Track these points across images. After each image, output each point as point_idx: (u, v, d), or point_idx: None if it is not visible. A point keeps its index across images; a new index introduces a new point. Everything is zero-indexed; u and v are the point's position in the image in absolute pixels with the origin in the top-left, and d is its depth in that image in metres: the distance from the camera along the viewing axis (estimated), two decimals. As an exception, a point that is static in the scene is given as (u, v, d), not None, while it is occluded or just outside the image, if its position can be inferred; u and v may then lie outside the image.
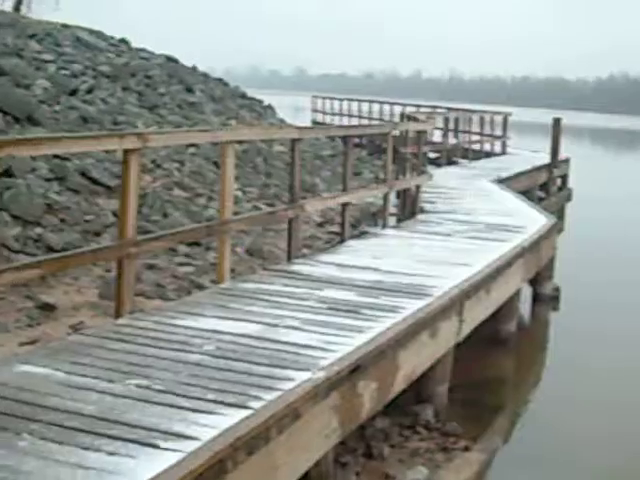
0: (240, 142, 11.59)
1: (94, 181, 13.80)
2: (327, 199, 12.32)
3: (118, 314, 7.33)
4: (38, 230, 11.54)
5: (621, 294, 15.23)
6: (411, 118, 16.59)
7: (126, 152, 7.22)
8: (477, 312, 9.36)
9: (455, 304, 8.49)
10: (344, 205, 11.58)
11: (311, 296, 8.28)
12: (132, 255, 7.35)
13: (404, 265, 9.99)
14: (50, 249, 11.11)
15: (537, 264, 12.70)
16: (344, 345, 6.55)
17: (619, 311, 14.02)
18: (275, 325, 7.12)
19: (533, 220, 14.01)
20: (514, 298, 11.39)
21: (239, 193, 17.64)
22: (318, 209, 12.12)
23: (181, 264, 12.06)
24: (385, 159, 13.11)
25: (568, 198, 27.69)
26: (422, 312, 7.72)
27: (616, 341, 12.29)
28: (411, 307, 7.85)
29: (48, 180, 13.24)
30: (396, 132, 15.79)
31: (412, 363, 7.43)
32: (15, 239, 10.90)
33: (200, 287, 11.03)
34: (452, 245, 11.60)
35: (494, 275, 9.95)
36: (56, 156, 13.64)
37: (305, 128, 12.05)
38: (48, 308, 9.46)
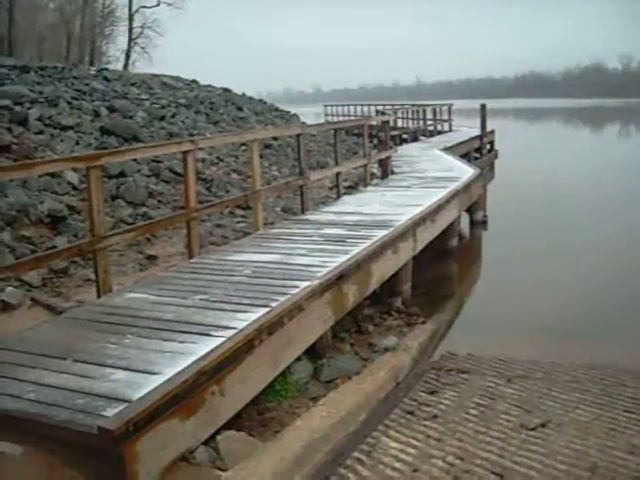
0: (263, 139, 11.47)
1: (178, 174, 13.93)
2: (325, 171, 12.37)
3: (190, 256, 7.51)
4: (143, 209, 11.69)
5: (529, 217, 15.29)
6: (379, 112, 16.49)
7: (184, 153, 7.35)
8: (426, 235, 9.42)
9: (409, 230, 8.57)
10: (337, 174, 11.67)
11: (315, 233, 8.40)
12: (195, 218, 7.51)
13: (377, 209, 10.06)
14: (151, 219, 11.28)
15: (469, 200, 12.73)
16: (334, 262, 6.69)
17: (527, 229, 14.07)
18: (289, 254, 7.26)
19: (466, 172, 14.00)
20: (454, 223, 11.43)
21: (276, 172, 17.76)
22: (321, 177, 12.07)
23: (238, 222, 12.19)
24: (366, 141, 13.08)
25: (495, 156, 27.41)
26: (386, 237, 7.82)
27: (526, 247, 12.36)
28: (379, 234, 7.95)
29: (148, 176, 13.39)
30: (374, 123, 15.80)
31: (381, 271, 7.55)
32: (129, 216, 11.09)
33: (249, 235, 11.22)
34: (410, 193, 11.63)
35: (437, 209, 10.02)
36: (153, 160, 13.81)
37: (305, 125, 12.02)
38: (152, 258, 9.66)
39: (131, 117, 17.06)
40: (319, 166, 21.02)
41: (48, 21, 35.10)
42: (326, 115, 46.57)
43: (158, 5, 39.51)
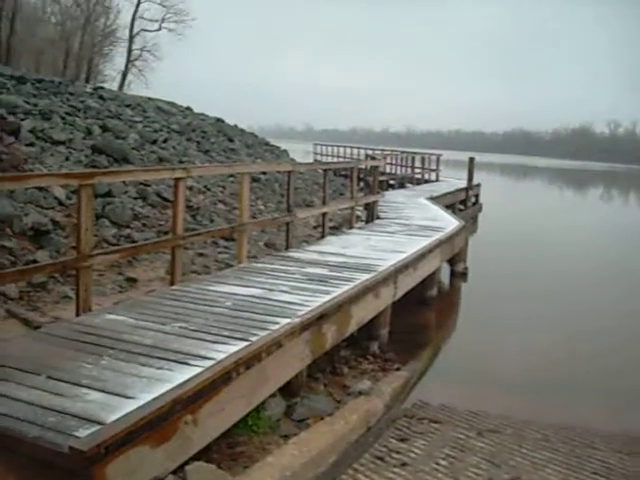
0: (251, 173, 11.43)
1: (165, 199, 13.96)
2: (313, 210, 12.42)
3: (172, 283, 7.50)
4: (127, 231, 11.69)
5: (510, 269, 15.47)
6: (369, 157, 16.62)
7: (176, 179, 7.39)
8: (407, 282, 9.49)
9: (391, 276, 8.63)
10: (324, 214, 11.74)
11: (298, 271, 8.42)
12: (180, 245, 7.52)
13: (361, 252, 10.12)
14: (134, 242, 11.26)
15: (451, 251, 12.82)
16: (315, 302, 6.72)
17: (505, 284, 14.22)
18: (271, 290, 7.28)
19: (450, 223, 14.14)
20: (435, 273, 11.49)
21: (262, 207, 17.82)
22: (307, 216, 12.14)
23: (220, 252, 12.20)
24: (355, 184, 13.16)
25: (480, 209, 27.81)
26: (369, 281, 7.87)
27: (505, 299, 12.48)
28: (362, 278, 8.00)
29: (135, 198, 13.40)
30: (362, 166, 15.92)
31: (361, 314, 7.59)
32: (112, 236, 11.08)
33: (231, 267, 11.22)
34: (394, 239, 11.71)
35: (419, 257, 10.10)
36: (141, 183, 13.83)
37: (296, 164, 12.08)
38: (132, 280, 9.63)
39: (123, 138, 17.12)
40: (305, 204, 21.12)
41: (48, 35, 35.27)
42: (315, 154, 46.89)
43: (159, 30, 39.88)
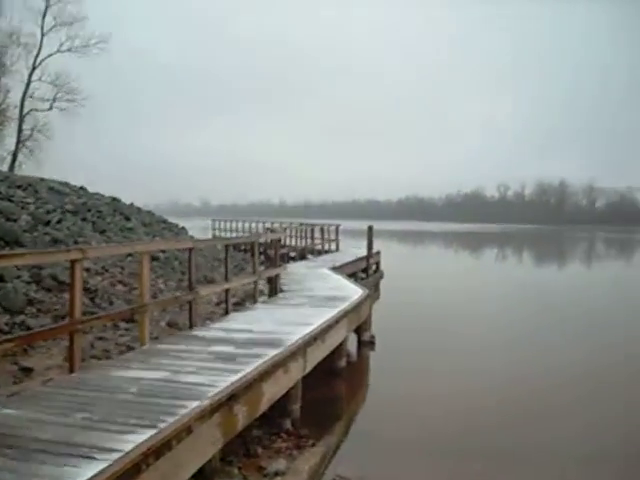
0: (151, 252, 11.10)
1: (61, 282, 13.45)
2: (215, 286, 12.14)
3: (71, 370, 7.11)
4: (21, 317, 11.14)
5: (413, 338, 15.61)
6: (269, 230, 16.63)
7: (72, 261, 7.09)
8: (316, 354, 9.39)
9: (300, 350, 8.52)
10: (227, 290, 11.56)
11: (204, 350, 8.19)
12: (79, 330, 7.17)
13: (267, 327, 9.97)
14: (29, 329, 10.77)
15: (357, 320, 12.84)
16: (224, 382, 6.51)
17: (411, 348, 14.33)
18: (177, 372, 7.02)
19: (354, 292, 14.20)
20: (343, 343, 11.45)
21: (162, 286, 17.45)
22: (210, 293, 11.91)
23: (122, 335, 11.76)
24: (256, 258, 13.05)
25: (381, 277, 28.19)
26: (277, 357, 7.73)
27: (410, 369, 12.52)
28: (270, 354, 7.86)
29: (29, 283, 12.85)
30: (263, 240, 15.87)
31: (272, 391, 7.41)
32: (5, 324, 10.53)
33: (133, 350, 10.83)
34: (300, 312, 11.64)
35: (327, 329, 10.04)
36: (34, 266, 13.28)
37: (197, 240, 11.89)
38: (27, 370, 9.11)
39: (14, 220, 16.49)
40: (206, 280, 20.81)
41: None
42: (214, 229, 46.87)
43: (50, 109, 39.21)
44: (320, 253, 28.66)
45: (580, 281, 32.99)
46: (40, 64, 38.81)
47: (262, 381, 7.05)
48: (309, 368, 8.97)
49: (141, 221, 26.83)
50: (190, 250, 9.88)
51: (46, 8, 38.76)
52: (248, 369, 7.04)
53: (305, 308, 12.11)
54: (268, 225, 35.43)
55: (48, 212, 19.60)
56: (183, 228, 33.18)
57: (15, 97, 38.63)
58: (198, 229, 45.61)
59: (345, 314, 11.41)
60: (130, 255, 17.55)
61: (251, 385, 6.70)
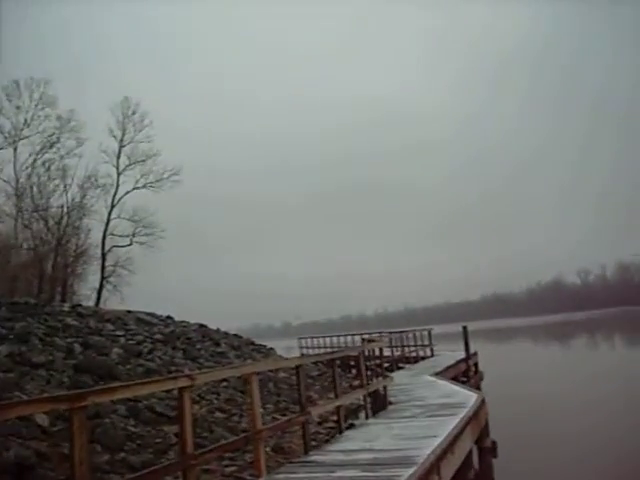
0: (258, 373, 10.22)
1: (159, 414, 12.80)
2: (326, 405, 11.06)
3: (187, 514, 6.23)
4: (122, 454, 10.46)
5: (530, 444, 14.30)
6: (367, 340, 15.68)
7: (180, 390, 6.38)
8: (448, 469, 8.29)
9: (434, 466, 7.48)
10: (338, 407, 10.61)
11: (328, 477, 7.24)
12: (193, 466, 6.35)
13: (390, 443, 8.95)
14: (131, 467, 10.07)
15: (479, 427, 11.67)
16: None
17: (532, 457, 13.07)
18: (307, 505, 6.08)
19: (468, 397, 13.05)
20: (469, 454, 10.29)
21: (261, 410, 16.64)
22: (322, 412, 10.99)
23: (227, 465, 10.91)
24: (363, 370, 12.10)
25: (481, 378, 26.70)
26: (414, 476, 6.72)
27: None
28: (405, 474, 6.85)
29: (126, 417, 12.25)
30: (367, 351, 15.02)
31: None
32: (106, 463, 9.83)
33: (244, 480, 9.96)
34: (418, 424, 10.57)
35: (454, 440, 8.95)
36: (129, 399, 12.69)
37: (304, 356, 11.05)
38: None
39: (106, 354, 16.13)
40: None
41: (21, 260, 35.00)
42: (301, 347, 46.09)
43: (130, 244, 39.89)
44: (417, 360, 27.38)
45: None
46: (118, 202, 39.79)
47: (403, 509, 6.04)
48: (443, 487, 7.88)
49: (230, 345, 26.36)
50: (297, 368, 9.08)
51: (120, 149, 39.96)
52: (385, 496, 6.06)
53: (421, 419, 11.03)
54: (356, 337, 34.67)
55: (138, 343, 19.29)
56: (271, 349, 32.57)
57: (96, 236, 39.52)
58: (282, 349, 45.00)
59: (468, 421, 10.29)
60: (224, 380, 16.94)
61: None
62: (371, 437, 9.66)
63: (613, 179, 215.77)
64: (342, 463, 7.95)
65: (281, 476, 7.65)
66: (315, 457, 8.60)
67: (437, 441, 8.54)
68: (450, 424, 9.88)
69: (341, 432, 10.49)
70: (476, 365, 27.52)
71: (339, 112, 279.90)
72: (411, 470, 7.00)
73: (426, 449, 8.07)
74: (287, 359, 14.14)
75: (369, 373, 14.80)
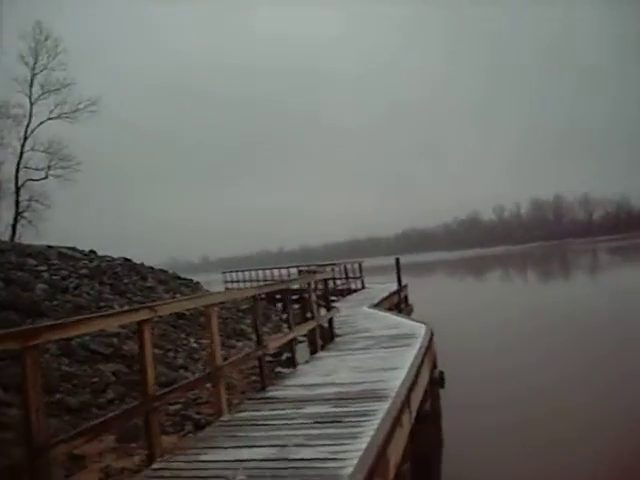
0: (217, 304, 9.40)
1: (93, 351, 12.04)
2: (282, 337, 10.42)
3: (151, 460, 5.62)
4: (58, 396, 9.72)
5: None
6: (306, 272, 15.21)
7: (140, 322, 5.68)
8: (416, 401, 7.94)
9: (407, 399, 7.07)
10: (292, 339, 10.10)
11: (296, 414, 6.71)
12: (156, 409, 5.69)
13: (350, 376, 8.51)
14: (69, 409, 9.38)
15: (433, 357, 11.41)
16: (351, 452, 5.07)
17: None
18: (283, 446, 5.54)
19: (416, 328, 12.77)
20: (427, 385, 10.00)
21: (195, 345, 16.09)
22: (279, 345, 10.42)
23: (171, 404, 10.30)
24: (313, 302, 11.60)
25: (412, 310, 26.81)
26: (393, 411, 6.28)
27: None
28: (378, 409, 6.42)
29: (58, 356, 11.45)
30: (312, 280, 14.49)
31: (396, 456, 5.92)
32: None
33: (193, 419, 9.37)
34: (373, 355, 10.21)
35: (418, 371, 8.58)
36: (62, 338, 11.85)
37: (260, 286, 10.26)
38: (78, 459, 7.65)
39: (31, 290, 15.11)
40: (236, 334, 19.43)
41: None
42: (225, 282, 45.41)
43: (46, 178, 37.93)
44: (349, 292, 27.15)
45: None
46: (31, 133, 37.60)
47: (387, 446, 5.58)
48: (412, 419, 7.51)
49: (157, 279, 25.46)
50: (254, 298, 8.47)
51: (32, 77, 37.57)
52: (369, 431, 5.60)
53: (374, 351, 10.67)
54: (284, 271, 34.24)
55: (64, 278, 18.25)
56: (197, 283, 31.81)
57: (9, 169, 37.36)
58: (205, 284, 44.32)
59: (425, 352, 9.96)
60: (160, 316, 16.23)
61: (380, 454, 5.24)
62: (327, 371, 9.20)
63: (534, 118, 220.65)
64: (307, 398, 7.46)
65: (244, 414, 7.09)
66: (274, 393, 8.07)
67: (402, 373, 8.17)
68: (408, 355, 9.55)
69: (295, 366, 9.99)
70: (406, 297, 27.60)
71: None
72: (386, 404, 6.58)
73: (393, 381, 7.69)
74: (240, 289, 13.47)
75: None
